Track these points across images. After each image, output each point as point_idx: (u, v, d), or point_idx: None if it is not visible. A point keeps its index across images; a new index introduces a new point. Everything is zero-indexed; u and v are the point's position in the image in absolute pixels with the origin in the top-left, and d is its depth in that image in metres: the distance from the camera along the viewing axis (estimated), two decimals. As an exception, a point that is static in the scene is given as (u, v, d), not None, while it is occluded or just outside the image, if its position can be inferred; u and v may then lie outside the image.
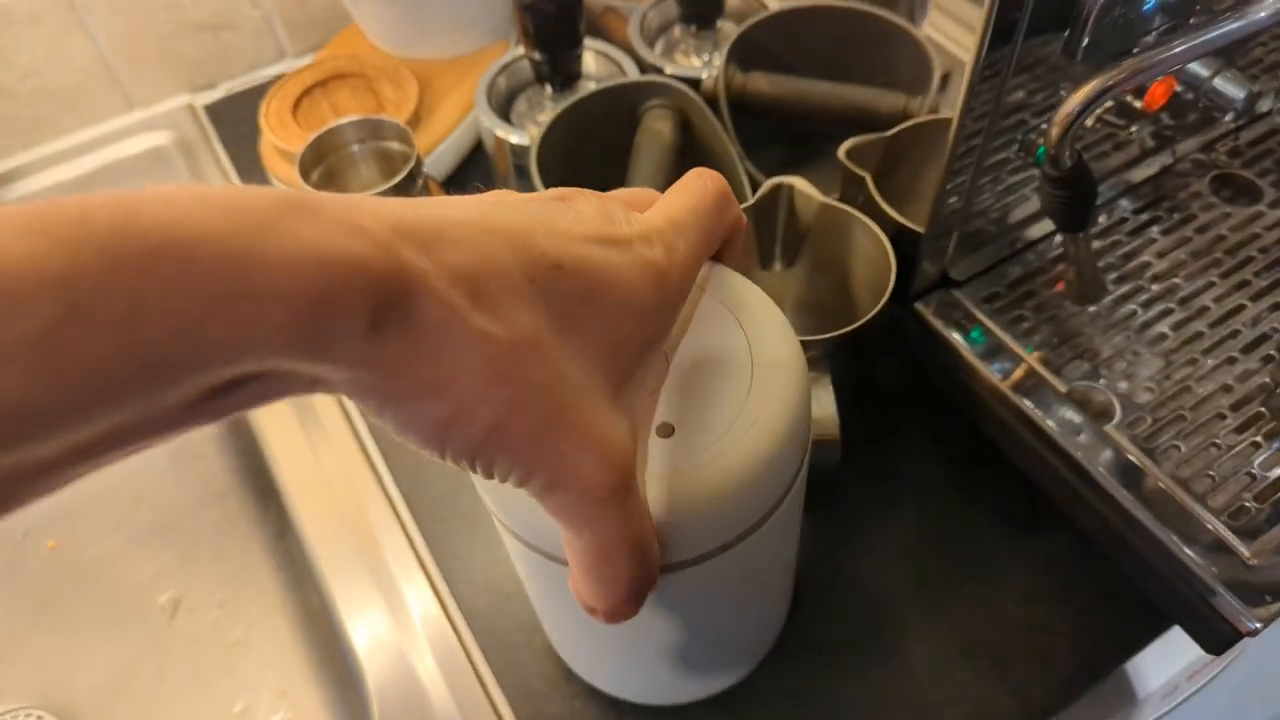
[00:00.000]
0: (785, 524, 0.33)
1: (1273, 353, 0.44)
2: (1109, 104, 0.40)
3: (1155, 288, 0.47)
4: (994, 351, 0.45)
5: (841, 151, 0.48)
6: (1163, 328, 0.45)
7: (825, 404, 0.40)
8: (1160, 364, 0.44)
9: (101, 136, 0.71)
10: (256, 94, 0.73)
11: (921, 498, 0.50)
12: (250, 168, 0.68)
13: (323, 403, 0.57)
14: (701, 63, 0.62)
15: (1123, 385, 0.44)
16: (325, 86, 0.62)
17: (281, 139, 0.59)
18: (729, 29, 0.63)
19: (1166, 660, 0.48)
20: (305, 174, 0.52)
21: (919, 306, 0.47)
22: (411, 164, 0.52)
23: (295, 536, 0.55)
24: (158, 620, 0.65)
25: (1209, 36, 0.34)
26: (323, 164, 0.54)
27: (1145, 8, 0.39)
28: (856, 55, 0.57)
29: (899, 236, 0.46)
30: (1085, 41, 0.38)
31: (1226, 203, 0.51)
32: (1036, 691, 0.44)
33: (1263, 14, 0.34)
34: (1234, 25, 0.34)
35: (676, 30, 0.64)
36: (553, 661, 0.46)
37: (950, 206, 0.43)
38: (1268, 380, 0.43)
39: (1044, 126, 0.42)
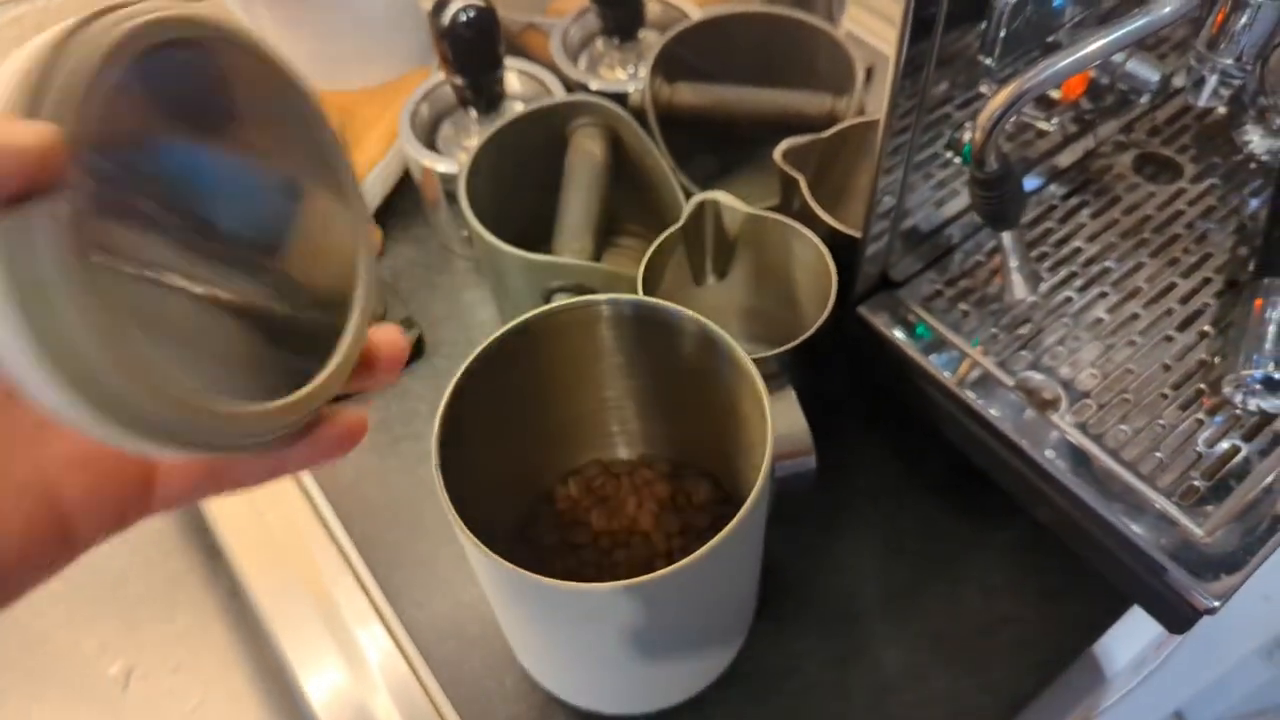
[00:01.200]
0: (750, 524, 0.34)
1: (1207, 328, 0.45)
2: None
3: (1089, 272, 0.47)
4: (939, 349, 0.45)
5: (777, 153, 0.48)
6: (1099, 312, 0.46)
7: (794, 419, 0.40)
8: (1100, 348, 0.45)
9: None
10: (169, 137, 0.70)
11: (878, 499, 0.50)
12: (168, 214, 0.65)
13: (265, 453, 0.55)
14: (627, 75, 0.61)
15: (1066, 372, 0.44)
16: (240, 126, 0.60)
17: (198, 184, 0.57)
18: (651, 39, 0.63)
19: (1132, 636, 0.49)
20: (225, 221, 0.50)
21: (861, 310, 0.46)
22: (336, 203, 0.50)
23: (245, 592, 0.53)
24: (110, 693, 0.62)
25: (1119, 34, 0.34)
26: (243, 209, 0.52)
27: (1056, 3, 0.39)
28: (780, 60, 0.57)
29: (835, 239, 0.45)
30: (1001, 35, 0.38)
31: (1149, 181, 0.51)
32: (1009, 684, 0.44)
33: (1167, 9, 0.34)
34: (1142, 22, 0.34)
35: (599, 44, 0.63)
36: (525, 704, 0.45)
37: (884, 206, 0.43)
38: (1204, 356, 0.44)
39: (968, 124, 0.43)
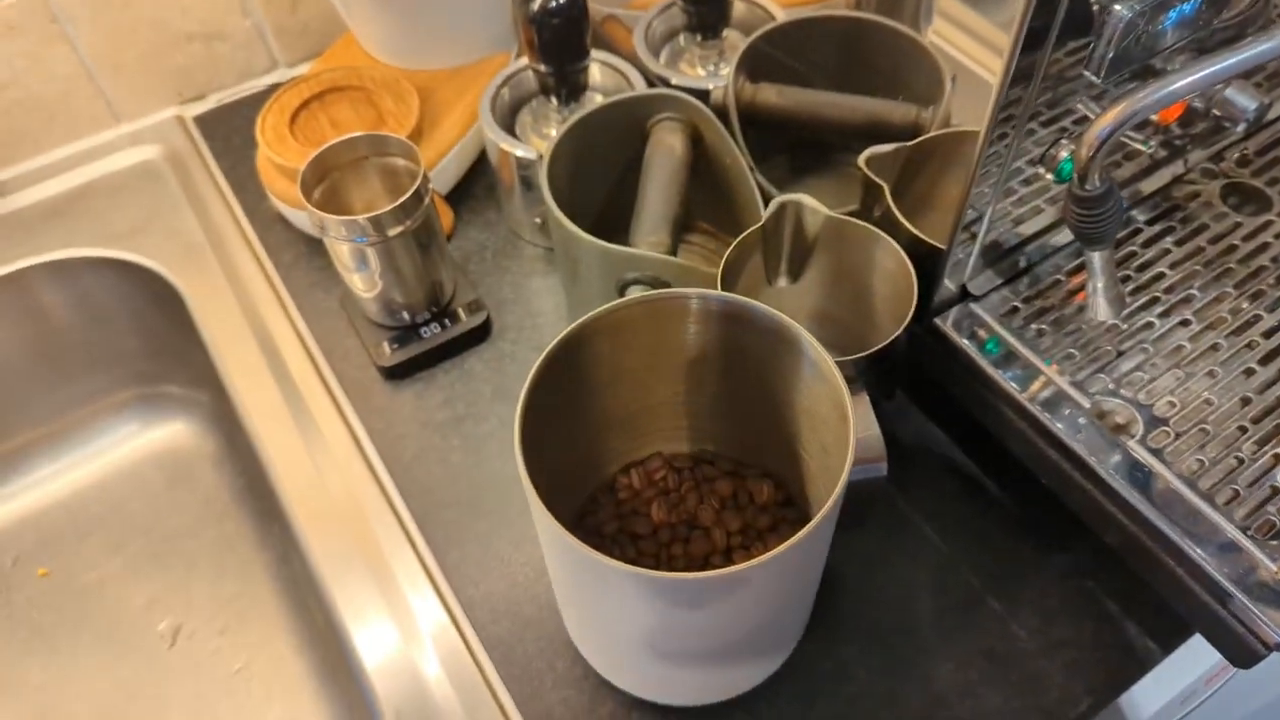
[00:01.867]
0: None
1: (1290, 364, 0.44)
2: (1131, 119, 0.40)
3: (1171, 299, 0.47)
4: (1015, 366, 0.45)
5: (861, 160, 0.48)
6: (1180, 340, 0.45)
7: (868, 425, 0.40)
8: (1179, 376, 0.44)
9: (87, 150, 0.70)
10: (248, 105, 0.71)
11: (936, 512, 0.50)
12: (245, 181, 0.66)
13: (328, 422, 0.56)
14: (707, 73, 0.62)
15: (1143, 398, 0.44)
16: (323, 99, 0.61)
17: (279, 154, 0.58)
18: (735, 38, 0.63)
19: (1185, 667, 0.48)
20: (308, 192, 0.51)
21: (938, 321, 0.46)
22: (418, 181, 0.51)
23: (300, 559, 0.54)
24: (157, 648, 0.64)
25: (1239, 58, 0.34)
26: (325, 181, 0.53)
27: (1166, 23, 0.39)
28: (865, 65, 0.57)
29: (914, 249, 0.45)
30: (1110, 54, 0.38)
31: (1236, 211, 0.51)
32: (1063, 708, 0.44)
33: (1294, 34, 0.34)
34: (1264, 47, 0.34)
35: (681, 39, 0.63)
36: (576, 689, 0.45)
37: (972, 217, 0.42)
38: (1287, 392, 0.43)
39: (1064, 140, 0.42)
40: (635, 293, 0.48)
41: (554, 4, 0.52)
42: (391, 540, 0.51)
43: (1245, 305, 0.47)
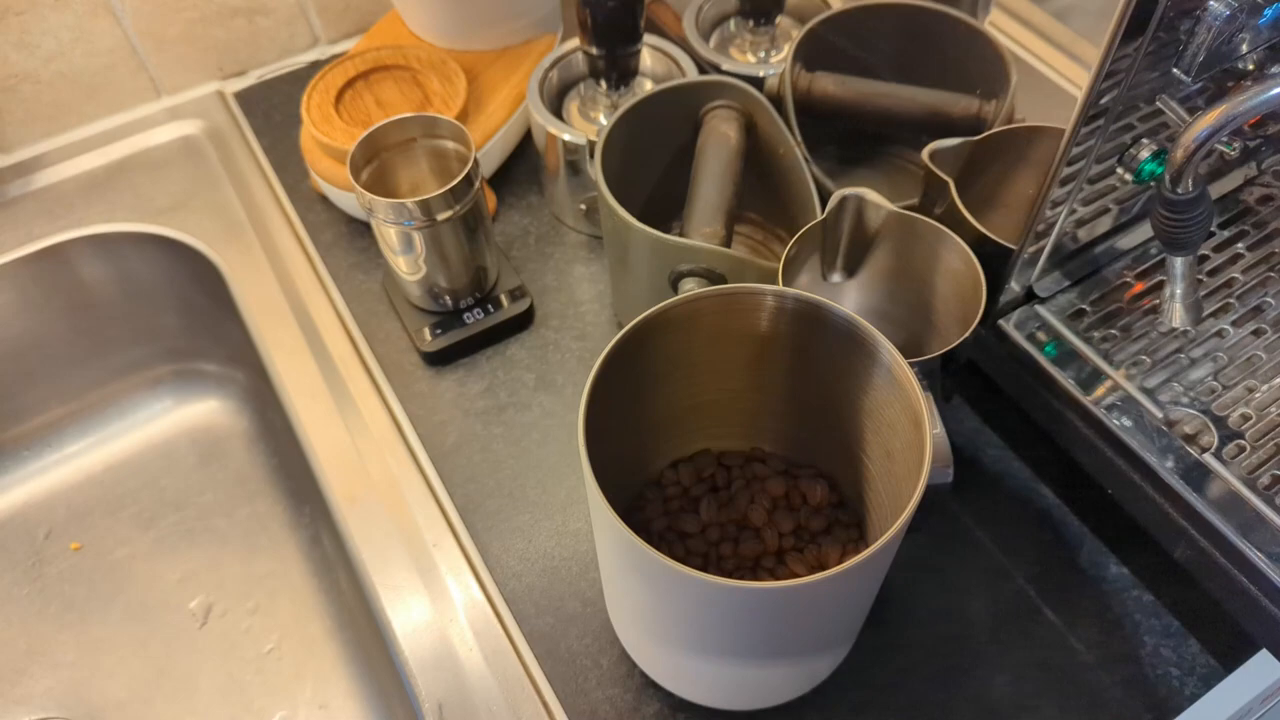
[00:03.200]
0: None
1: (1371, 377, 0.43)
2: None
3: (1244, 307, 0.45)
4: (1082, 372, 0.43)
5: (925, 154, 0.46)
6: (1256, 350, 0.44)
7: (935, 427, 0.38)
8: (1253, 387, 0.43)
9: (128, 124, 0.69)
10: (289, 81, 0.70)
11: (993, 518, 0.49)
12: (285, 159, 0.65)
13: (368, 406, 0.55)
14: (758, 59, 0.60)
15: (1216, 408, 0.42)
16: (368, 79, 0.60)
17: (325, 133, 0.57)
18: (786, 25, 0.61)
19: (1242, 686, 0.47)
20: (356, 172, 0.50)
21: (1002, 323, 0.45)
22: (469, 166, 0.49)
23: (331, 540, 0.53)
24: (187, 626, 0.64)
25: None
26: (374, 162, 0.52)
27: (1261, 21, 0.37)
28: (924, 55, 0.55)
29: (978, 248, 0.44)
30: (1202, 54, 0.36)
31: (1310, 216, 0.49)
32: (1122, 723, 0.43)
33: None
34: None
35: (732, 24, 0.61)
36: (621, 686, 0.44)
37: (1048, 218, 0.41)
38: (1367, 406, 0.42)
39: (1145, 140, 0.41)
40: (689, 284, 0.47)
41: (610, -14, 0.51)
42: (433, 528, 0.50)
43: (1322, 315, 0.45)
